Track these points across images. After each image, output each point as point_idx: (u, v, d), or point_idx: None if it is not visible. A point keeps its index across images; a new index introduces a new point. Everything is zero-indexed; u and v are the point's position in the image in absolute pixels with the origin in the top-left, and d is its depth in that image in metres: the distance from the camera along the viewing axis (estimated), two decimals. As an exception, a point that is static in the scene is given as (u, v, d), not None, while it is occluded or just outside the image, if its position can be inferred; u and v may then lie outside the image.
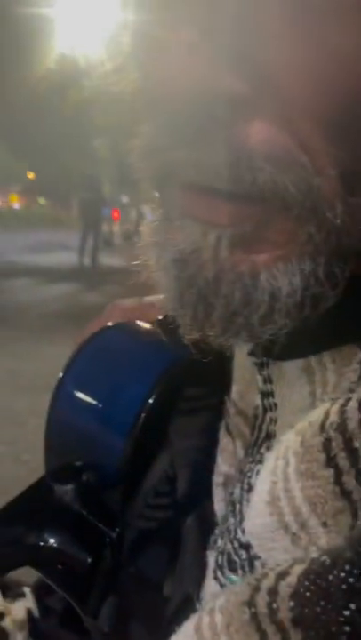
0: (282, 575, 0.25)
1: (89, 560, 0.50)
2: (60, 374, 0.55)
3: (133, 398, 0.49)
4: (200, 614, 0.29)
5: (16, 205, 39.10)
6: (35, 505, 0.53)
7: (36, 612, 1.07)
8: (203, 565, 0.45)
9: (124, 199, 23.75)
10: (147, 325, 0.55)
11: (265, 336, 0.29)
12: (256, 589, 0.26)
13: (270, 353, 0.34)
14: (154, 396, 0.48)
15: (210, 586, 0.38)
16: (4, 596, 1.13)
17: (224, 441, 0.47)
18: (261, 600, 0.25)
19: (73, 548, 0.51)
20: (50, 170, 34.61)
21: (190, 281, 0.28)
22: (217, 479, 0.47)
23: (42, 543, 0.51)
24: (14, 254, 13.12)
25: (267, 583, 0.26)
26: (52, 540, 0.51)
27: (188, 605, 0.46)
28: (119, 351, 0.55)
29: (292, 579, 0.24)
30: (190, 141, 0.26)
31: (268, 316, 0.28)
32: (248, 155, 0.25)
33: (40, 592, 1.12)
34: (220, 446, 0.47)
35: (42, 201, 40.77)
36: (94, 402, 0.52)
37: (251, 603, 0.25)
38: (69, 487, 0.53)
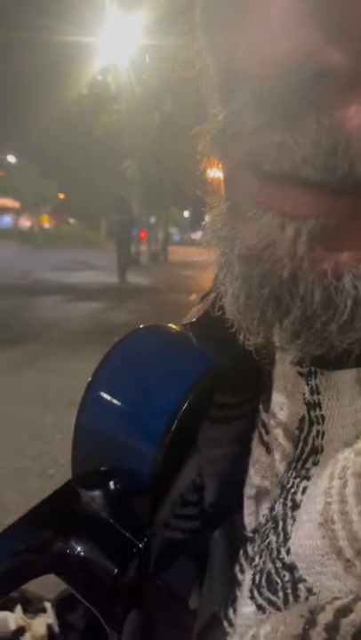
0: (343, 611, 0.23)
1: (115, 570, 0.49)
2: (90, 378, 0.54)
3: (165, 405, 0.47)
4: (239, 639, 0.27)
5: (46, 225, 39.87)
6: (61, 511, 0.51)
7: (56, 628, 1.05)
8: (232, 583, 0.43)
9: (152, 220, 24.00)
10: (179, 329, 0.54)
11: (342, 345, 0.26)
12: (311, 624, 0.24)
13: (320, 362, 0.31)
14: (187, 404, 0.47)
15: (245, 604, 0.36)
16: (25, 611, 1.12)
17: (257, 452, 0.45)
18: (318, 636, 0.24)
19: (100, 558, 0.49)
20: (79, 191, 35.26)
21: (262, 279, 0.25)
22: (248, 491, 0.45)
23: (68, 551, 0.50)
24: (44, 272, 13.33)
25: (324, 618, 0.24)
26: (78, 549, 0.49)
27: (215, 624, 0.45)
28: (151, 355, 0.54)
29: (356, 617, 0.22)
30: (279, 124, 0.22)
31: (349, 323, 0.24)
32: (346, 140, 0.21)
33: (61, 608, 1.10)
34: (253, 457, 0.45)
35: (71, 221, 41.46)
36: (124, 407, 0.50)
37: (304, 638, 0.24)
38: (97, 494, 0.52)
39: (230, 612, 0.43)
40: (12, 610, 1.09)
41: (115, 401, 0.52)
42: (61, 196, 36.88)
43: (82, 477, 0.54)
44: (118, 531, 0.50)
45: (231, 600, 0.42)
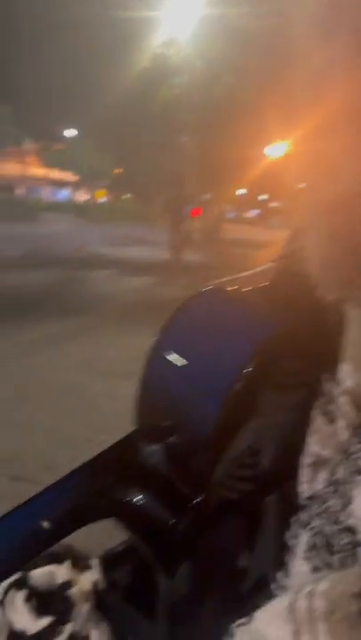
0: None
1: (171, 522, 0.51)
2: (155, 337, 0.55)
3: (230, 365, 0.48)
4: (294, 596, 0.28)
5: (102, 199, 40.16)
6: (122, 461, 0.54)
7: (102, 585, 1.09)
8: (283, 546, 0.44)
9: (206, 197, 23.80)
10: (249, 292, 0.54)
11: None
12: None
13: None
14: (252, 366, 0.47)
15: (300, 565, 0.36)
16: (73, 566, 1.16)
17: (318, 421, 0.45)
18: None
19: (157, 508, 0.51)
20: (136, 166, 35.19)
21: (353, 230, 0.25)
22: (306, 460, 0.45)
23: (127, 499, 0.52)
24: (98, 246, 13.49)
25: None
26: (137, 498, 0.52)
27: (264, 584, 0.45)
28: (218, 316, 0.54)
29: None
30: None
31: None
32: None
33: (107, 566, 1.14)
34: (314, 426, 0.46)
35: (126, 196, 41.62)
36: (189, 365, 0.51)
37: None
38: (157, 448, 0.53)
39: (280, 575, 0.44)
40: (60, 564, 1.14)
41: (179, 359, 0.53)
42: (118, 170, 37.04)
43: (143, 431, 0.56)
44: (176, 484, 0.52)
45: (282, 564, 0.43)
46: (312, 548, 0.35)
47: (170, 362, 0.53)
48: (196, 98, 16.97)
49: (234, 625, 0.30)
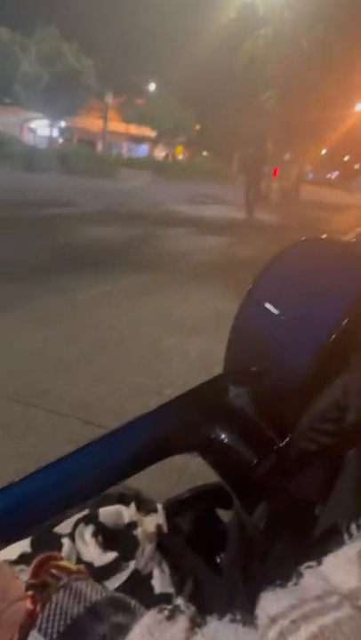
0: None
1: (255, 461, 0.52)
2: (250, 285, 0.55)
3: (327, 316, 0.47)
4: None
5: (180, 157, 39.86)
6: (210, 400, 0.55)
7: (165, 529, 1.13)
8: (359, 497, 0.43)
9: (286, 156, 23.03)
10: (346, 243, 0.53)
11: None
12: None
13: None
14: (349, 318, 0.46)
15: None
16: (139, 509, 1.20)
17: None
18: None
19: (241, 447, 0.53)
20: (215, 123, 34.55)
21: None
22: None
23: (213, 436, 0.54)
24: (175, 204, 13.47)
25: None
26: (222, 435, 0.53)
27: (335, 533, 0.45)
28: (317, 265, 0.53)
29: None
30: None
31: None
32: None
33: (171, 511, 1.17)
34: None
35: (205, 153, 41.04)
36: (284, 314, 0.51)
37: None
38: (245, 390, 0.54)
39: (353, 526, 0.43)
40: (127, 506, 1.18)
41: (274, 307, 0.53)
42: (197, 127, 36.41)
43: (233, 374, 0.57)
44: (262, 426, 0.53)
45: (356, 516, 0.43)
46: None
47: (265, 309, 0.53)
48: (282, 50, 16.25)
49: (302, 567, 0.30)
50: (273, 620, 0.26)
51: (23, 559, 1.00)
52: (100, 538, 1.06)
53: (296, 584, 0.29)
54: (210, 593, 1.03)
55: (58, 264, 5.23)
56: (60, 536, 1.04)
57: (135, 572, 1.03)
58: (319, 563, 0.30)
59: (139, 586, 1.00)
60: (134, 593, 1.06)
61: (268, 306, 0.53)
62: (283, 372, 0.51)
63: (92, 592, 0.34)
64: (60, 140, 36.64)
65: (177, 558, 1.11)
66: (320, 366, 0.47)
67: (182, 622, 0.30)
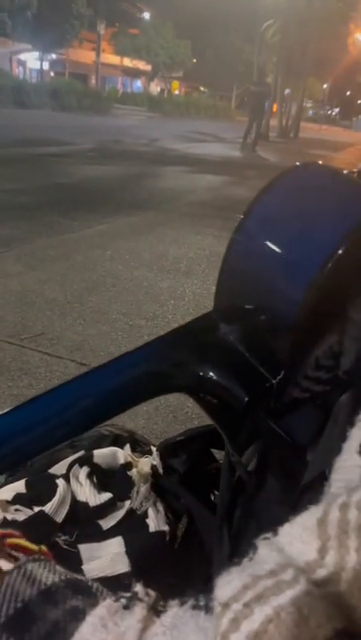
0: None
1: (246, 399, 0.50)
2: (242, 215, 0.51)
3: (323, 243, 0.43)
4: (327, 507, 0.25)
5: (176, 92, 38.51)
6: (199, 337, 0.53)
7: (160, 469, 1.14)
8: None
9: (286, 91, 22.23)
10: (346, 171, 0.49)
11: None
12: None
13: None
14: (345, 247, 0.43)
15: (351, 459, 0.34)
16: (133, 450, 1.21)
17: None
18: None
19: (232, 385, 0.50)
20: (213, 56, 33.17)
21: None
22: None
23: (202, 373, 0.52)
24: (170, 141, 13.12)
25: None
26: (211, 373, 0.51)
27: (319, 483, 0.44)
28: (314, 192, 0.49)
29: None
30: None
31: None
32: None
33: (165, 452, 1.18)
34: None
35: (202, 89, 39.64)
36: (277, 244, 0.47)
37: None
38: (236, 327, 0.51)
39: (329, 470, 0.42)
40: (121, 447, 1.19)
41: (268, 238, 0.49)
42: (194, 60, 34.95)
43: (223, 310, 0.55)
44: (253, 364, 0.51)
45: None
46: None
47: (257, 240, 0.49)
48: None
49: (258, 539, 0.27)
50: (225, 606, 0.24)
51: (18, 500, 1.01)
52: (94, 479, 1.07)
53: (251, 559, 0.27)
54: (204, 529, 1.05)
55: (50, 204, 5.12)
56: (54, 477, 1.04)
57: (130, 512, 1.04)
58: (275, 533, 0.27)
59: (134, 524, 1.02)
60: (129, 531, 1.08)
61: (260, 238, 0.49)
62: (276, 307, 0.48)
63: (48, 574, 0.31)
64: (52, 74, 35.22)
65: (172, 497, 1.13)
66: (315, 299, 0.44)
67: (139, 611, 0.28)
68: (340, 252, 0.42)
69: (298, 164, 0.50)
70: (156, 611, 0.28)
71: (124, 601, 0.29)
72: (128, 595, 0.30)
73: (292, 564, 0.25)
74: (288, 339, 0.47)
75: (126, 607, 0.28)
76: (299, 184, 0.50)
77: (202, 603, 0.28)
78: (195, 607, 0.27)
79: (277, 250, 0.47)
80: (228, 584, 0.25)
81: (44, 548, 0.37)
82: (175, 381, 0.51)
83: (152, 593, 0.30)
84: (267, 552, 0.26)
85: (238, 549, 0.55)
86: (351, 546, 0.23)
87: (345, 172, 0.49)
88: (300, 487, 0.47)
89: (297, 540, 0.26)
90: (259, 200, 0.49)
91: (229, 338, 0.50)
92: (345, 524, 0.24)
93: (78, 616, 0.28)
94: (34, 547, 0.36)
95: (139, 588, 0.30)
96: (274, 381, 0.48)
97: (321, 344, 0.48)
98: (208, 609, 0.27)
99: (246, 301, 0.50)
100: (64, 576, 0.32)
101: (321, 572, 0.24)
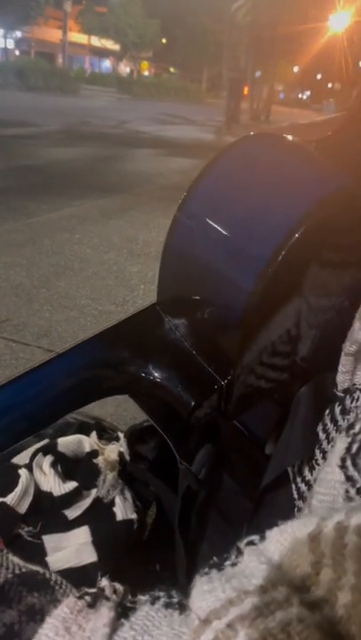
0: None
1: (193, 403, 0.46)
2: (185, 193, 0.47)
3: (275, 228, 0.39)
4: (320, 522, 0.23)
5: (146, 73, 38.03)
6: (140, 333, 0.48)
7: (127, 456, 1.12)
8: (312, 441, 0.40)
9: (257, 74, 22.12)
10: (302, 143, 0.45)
11: None
12: None
13: None
14: (301, 230, 0.39)
15: (331, 472, 0.32)
16: (100, 437, 1.18)
17: None
18: None
19: (177, 387, 0.46)
20: (183, 36, 32.72)
21: None
22: (348, 348, 0.40)
23: (144, 375, 0.47)
24: (140, 123, 12.97)
25: None
26: (155, 374, 0.47)
27: (285, 480, 0.42)
28: (264, 167, 0.44)
29: None
30: None
31: None
32: None
33: (133, 439, 1.16)
34: None
35: (172, 70, 39.19)
36: (224, 228, 0.43)
37: None
38: (182, 321, 0.47)
39: (306, 470, 0.40)
40: (87, 435, 1.16)
41: (212, 220, 0.44)
42: (164, 40, 34.44)
43: (167, 303, 0.49)
44: (200, 363, 0.46)
45: (308, 459, 0.40)
46: (352, 455, 0.32)
47: (201, 224, 0.45)
48: None
49: (242, 542, 0.25)
50: (206, 622, 0.21)
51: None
52: (59, 467, 1.04)
53: (235, 564, 0.24)
54: (174, 518, 1.03)
55: (17, 187, 5.00)
56: (17, 467, 1.01)
57: (97, 500, 1.02)
58: (262, 538, 0.25)
59: (100, 513, 1.00)
60: (96, 520, 1.06)
61: (206, 219, 0.45)
62: (224, 298, 0.44)
63: (0, 569, 0.28)
64: (17, 53, 34.33)
65: (140, 485, 1.11)
66: (268, 288, 0.41)
67: (106, 612, 0.25)
68: (296, 232, 0.39)
69: (250, 133, 0.46)
70: (124, 609, 0.25)
71: (88, 598, 0.26)
72: (93, 591, 0.26)
73: (284, 579, 0.22)
74: (239, 334, 0.43)
75: (91, 606, 0.25)
76: (253, 156, 0.45)
77: (175, 600, 0.25)
78: (167, 606, 0.25)
79: (225, 233, 0.43)
80: (209, 593, 0.23)
81: None
82: (113, 383, 0.47)
83: (120, 588, 0.27)
84: (255, 562, 0.24)
85: (198, 554, 0.52)
86: (349, 569, 0.21)
87: (301, 143, 0.45)
88: (263, 485, 0.44)
89: (288, 549, 0.24)
90: (205, 176, 0.45)
91: (175, 333, 0.46)
92: (341, 546, 0.22)
93: (36, 617, 0.25)
94: None
95: (105, 582, 0.27)
96: (223, 383, 0.44)
97: (277, 328, 0.45)
98: (182, 607, 0.24)
99: (192, 292, 0.45)
100: (18, 569, 0.29)
101: (316, 592, 0.22)
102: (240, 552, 0.25)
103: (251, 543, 0.25)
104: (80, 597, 0.26)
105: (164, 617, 0.24)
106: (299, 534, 0.24)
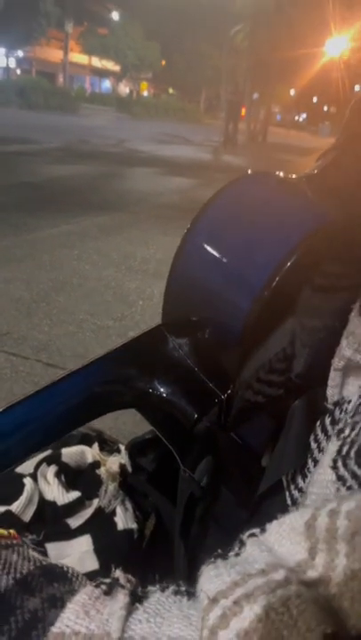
0: None
1: (195, 416, 0.50)
2: (189, 225, 0.51)
3: (270, 257, 0.43)
4: (315, 511, 0.26)
5: (145, 93, 38.41)
6: (148, 352, 0.52)
7: (128, 468, 1.14)
8: (304, 451, 0.42)
9: (254, 96, 22.42)
10: (294, 180, 0.50)
11: None
12: None
13: None
14: (293, 259, 0.43)
15: (324, 473, 0.35)
16: (102, 449, 1.21)
17: (354, 322, 0.43)
18: None
19: (181, 401, 0.50)
20: (182, 59, 33.17)
21: None
22: (337, 363, 0.43)
23: (151, 390, 0.51)
24: (139, 143, 13.08)
25: None
26: (161, 389, 0.50)
27: (279, 490, 0.45)
28: (259, 204, 0.49)
29: None
30: None
31: None
32: None
33: (134, 451, 1.18)
34: (349, 329, 0.43)
35: (171, 91, 39.62)
36: (224, 256, 0.48)
37: None
38: (185, 341, 0.51)
39: (299, 478, 0.43)
40: (89, 446, 1.19)
41: (214, 249, 0.49)
42: (163, 62, 34.91)
43: (172, 324, 0.53)
44: (202, 379, 0.50)
45: (301, 467, 0.42)
46: (343, 457, 0.34)
47: (203, 251, 0.49)
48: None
49: (245, 535, 0.28)
50: (214, 601, 0.24)
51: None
52: (62, 477, 1.06)
53: (238, 554, 0.27)
54: (172, 528, 1.05)
55: (17, 203, 5.05)
56: (21, 476, 1.04)
57: (98, 510, 1.04)
58: (263, 530, 0.28)
59: (102, 523, 1.02)
60: (98, 529, 1.08)
61: (207, 247, 0.49)
62: (224, 319, 0.48)
63: (23, 561, 0.31)
64: (18, 72, 34.69)
65: (140, 496, 1.13)
66: (263, 311, 0.44)
67: (122, 598, 0.28)
68: (290, 260, 0.43)
69: (249, 172, 0.51)
70: (137, 596, 0.28)
71: (104, 587, 0.29)
72: (108, 580, 0.29)
73: (283, 564, 0.25)
74: (237, 351, 0.47)
75: (107, 593, 0.28)
76: (250, 192, 0.50)
77: (183, 588, 0.28)
78: (176, 593, 0.28)
79: (225, 260, 0.47)
80: (216, 577, 0.25)
81: (12, 531, 0.35)
82: (123, 398, 0.51)
83: (132, 579, 0.30)
84: (256, 551, 0.27)
85: (198, 556, 0.55)
86: (341, 551, 0.24)
87: (293, 180, 0.50)
88: (259, 494, 0.47)
89: (286, 539, 0.26)
90: (208, 206, 0.50)
91: (179, 352, 0.50)
92: (334, 530, 0.25)
93: (57, 604, 0.28)
94: (3, 531, 0.35)
95: (119, 573, 0.30)
96: (223, 397, 0.48)
97: (274, 346, 0.49)
98: (190, 594, 0.27)
99: (195, 313, 0.50)
100: (39, 562, 0.31)
101: (312, 574, 0.24)
102: (243, 543, 0.28)
103: (252, 535, 0.28)
104: (97, 586, 0.29)
105: (173, 602, 0.27)
106: (296, 524, 0.26)
